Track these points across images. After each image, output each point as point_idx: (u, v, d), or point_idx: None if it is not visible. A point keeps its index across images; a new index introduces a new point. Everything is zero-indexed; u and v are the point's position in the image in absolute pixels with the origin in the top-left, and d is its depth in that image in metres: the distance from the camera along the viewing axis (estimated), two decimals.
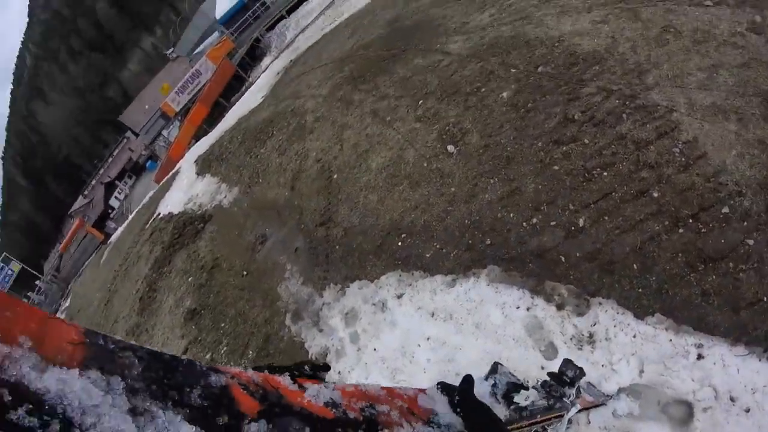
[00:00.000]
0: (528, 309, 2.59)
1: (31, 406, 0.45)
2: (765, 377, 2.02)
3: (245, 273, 5.27)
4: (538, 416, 1.25)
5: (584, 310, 2.44)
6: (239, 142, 9.26)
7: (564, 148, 3.27)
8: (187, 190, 10.26)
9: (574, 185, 2.98)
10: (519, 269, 2.79)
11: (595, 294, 2.47)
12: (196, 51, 35.93)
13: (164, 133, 30.58)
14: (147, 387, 0.53)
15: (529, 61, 4.35)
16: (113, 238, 17.92)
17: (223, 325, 4.79)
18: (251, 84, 18.78)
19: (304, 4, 22.86)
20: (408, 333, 2.86)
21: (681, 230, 2.46)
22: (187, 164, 13.08)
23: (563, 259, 2.69)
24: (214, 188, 8.61)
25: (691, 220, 2.48)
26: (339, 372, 3.16)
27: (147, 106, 37.80)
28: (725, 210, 2.46)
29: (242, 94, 18.01)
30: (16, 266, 29.82)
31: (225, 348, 4.48)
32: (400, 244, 3.62)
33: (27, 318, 0.53)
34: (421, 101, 5.09)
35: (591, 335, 2.38)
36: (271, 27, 23.93)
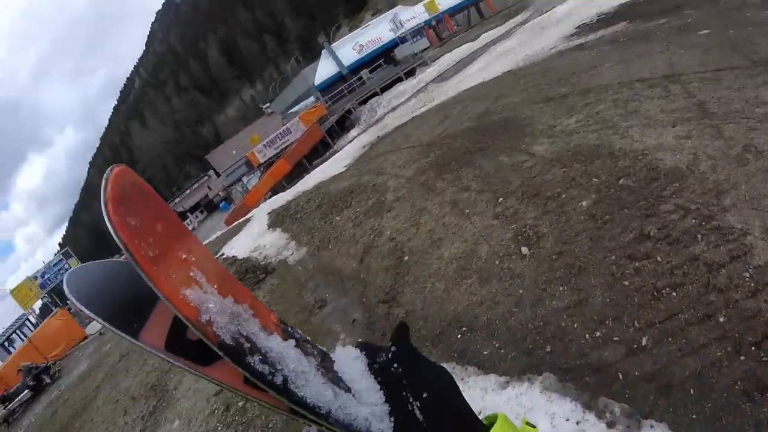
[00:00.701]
0: (578, 423, 2.59)
1: (260, 357, 0.58)
2: None
3: None
4: None
5: (635, 431, 2.43)
6: (316, 205, 9.80)
7: (636, 264, 3.34)
8: (256, 238, 10.83)
9: (642, 303, 3.03)
10: (575, 381, 2.83)
11: (648, 416, 2.47)
12: (290, 111, 38.91)
13: (244, 179, 32.69)
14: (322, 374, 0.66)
15: (612, 172, 4.50)
16: None
17: None
18: (335, 151, 19.96)
19: (398, 84, 24.43)
20: None
21: (742, 357, 2.45)
22: (260, 214, 13.86)
23: (621, 376, 2.71)
24: (283, 243, 9.08)
25: (753, 348, 2.47)
26: None
27: (234, 152, 40.79)
28: None
29: (325, 160, 19.12)
30: (74, 262, 31.67)
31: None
32: (459, 336, 3.73)
33: (244, 294, 0.72)
34: (501, 199, 5.31)
35: None
36: (364, 101, 25.64)
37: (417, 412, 0.58)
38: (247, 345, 0.59)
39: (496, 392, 3.02)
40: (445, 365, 2.93)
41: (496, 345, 3.43)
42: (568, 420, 2.64)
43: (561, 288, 3.56)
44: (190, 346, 0.58)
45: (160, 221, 0.58)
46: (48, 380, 15.45)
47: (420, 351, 0.67)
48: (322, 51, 41.16)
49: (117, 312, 0.57)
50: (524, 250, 4.22)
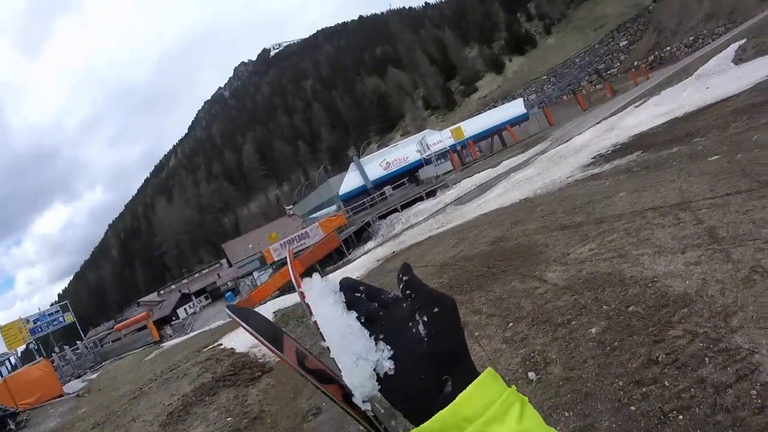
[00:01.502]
0: None
1: None
2: None
3: None
4: None
5: None
6: None
7: (644, 389, 3.36)
8: None
9: (648, 427, 3.04)
10: None
11: None
12: (312, 215, 40.10)
13: (255, 274, 32.93)
14: None
15: (622, 299, 4.61)
16: (167, 344, 18.60)
17: None
18: (350, 261, 20.30)
19: (419, 203, 25.34)
20: None
21: None
22: (265, 312, 13.87)
23: None
24: None
25: None
26: None
27: (250, 246, 41.53)
28: None
29: (338, 268, 19.44)
30: (69, 317, 31.28)
31: None
32: None
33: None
34: (511, 324, 5.39)
35: None
36: (384, 216, 26.45)
37: (421, 327, 0.58)
38: None
39: None
40: None
41: None
42: None
43: (566, 413, 3.58)
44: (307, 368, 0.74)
45: None
46: (12, 426, 14.88)
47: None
48: (351, 164, 43.47)
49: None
50: (531, 375, 4.27)
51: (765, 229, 4.51)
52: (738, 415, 2.82)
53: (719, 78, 16.06)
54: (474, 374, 0.56)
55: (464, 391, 0.52)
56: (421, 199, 26.72)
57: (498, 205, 13.57)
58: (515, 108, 47.78)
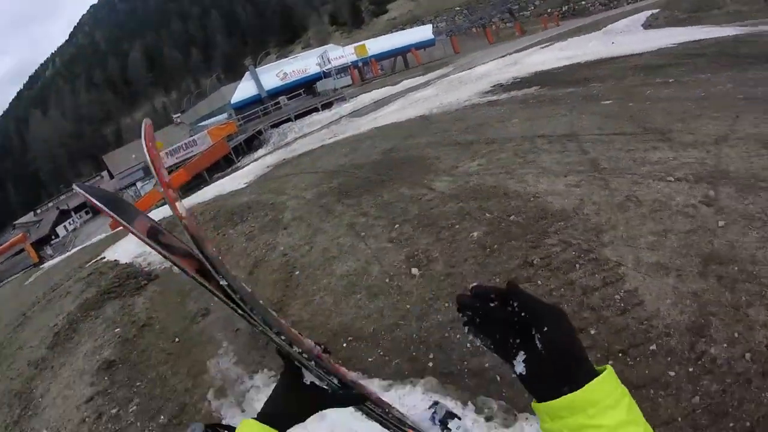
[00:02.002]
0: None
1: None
2: None
3: (177, 339, 5.17)
4: None
5: (511, 422, 2.62)
6: (210, 217, 9.42)
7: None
8: (141, 244, 10.02)
9: None
10: (456, 383, 2.96)
11: (523, 410, 2.68)
12: (200, 124, 37.63)
13: (138, 185, 30.69)
14: None
15: (504, 209, 4.85)
16: (47, 264, 17.08)
17: (138, 384, 4.59)
18: (239, 168, 19.50)
19: (314, 114, 24.62)
20: (335, 425, 2.88)
21: (611, 362, 2.73)
22: None
23: (499, 378, 2.90)
24: None
25: (621, 355, 2.81)
26: None
27: (134, 156, 38.45)
28: (653, 347, 2.81)
29: (226, 175, 18.61)
30: None
31: (135, 407, 4.25)
32: (345, 345, 3.74)
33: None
34: (397, 225, 5.47)
35: None
36: (276, 125, 25.43)
37: (538, 343, 0.68)
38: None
39: (379, 395, 3.04)
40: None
41: (381, 353, 3.49)
42: None
43: (447, 304, 3.73)
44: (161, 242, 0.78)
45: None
46: None
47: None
48: (246, 73, 40.78)
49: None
50: (414, 270, 4.38)
51: (644, 167, 4.87)
52: (602, 314, 3.10)
53: (626, 37, 16.86)
54: (595, 373, 0.66)
55: (590, 383, 0.64)
56: (316, 110, 25.97)
57: (393, 120, 13.49)
58: (423, 32, 46.98)
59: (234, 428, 1.06)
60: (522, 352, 0.70)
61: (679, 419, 2.48)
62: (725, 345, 2.73)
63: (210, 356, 4.50)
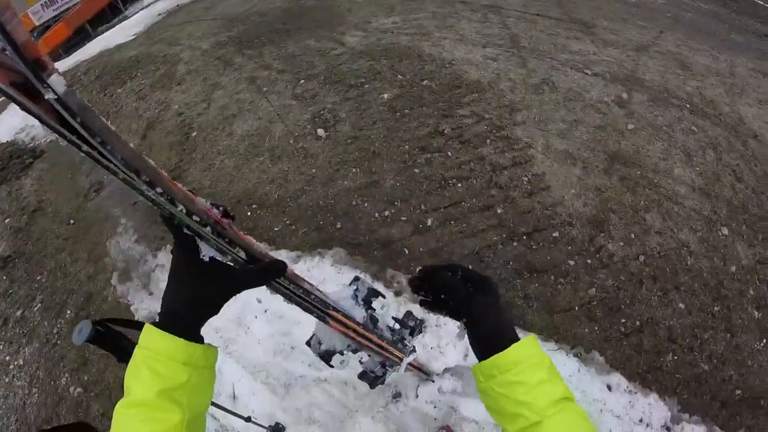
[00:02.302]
0: None
1: None
2: (570, 369, 2.45)
3: (72, 222, 4.67)
4: (384, 341, 1.29)
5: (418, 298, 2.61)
6: (96, 76, 8.27)
7: (428, 155, 3.46)
8: (23, 117, 8.81)
9: (429, 189, 3.17)
10: (364, 255, 2.89)
11: None
12: None
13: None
14: None
15: (417, 72, 4.55)
16: None
17: (39, 278, 4.16)
18: (126, 17, 17.03)
19: None
20: (245, 305, 2.76)
21: (515, 243, 2.76)
22: None
23: (407, 251, 2.86)
24: None
25: (525, 237, 2.84)
26: None
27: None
28: (555, 234, 2.86)
29: (112, 27, 16.21)
30: None
31: (39, 305, 3.89)
32: (249, 213, 3.51)
33: None
34: (302, 81, 5.01)
35: (423, 320, 2.53)
36: None
37: (475, 308, 0.80)
38: None
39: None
40: None
41: (287, 222, 3.30)
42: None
43: (354, 170, 3.53)
44: None
45: None
46: None
47: None
48: None
49: None
50: (320, 132, 4.06)
51: (563, 54, 4.67)
52: (509, 194, 3.04)
53: None
54: (517, 339, 0.75)
55: (514, 345, 0.73)
56: None
57: None
58: None
59: (131, 321, 1.01)
60: (465, 319, 0.80)
61: (576, 308, 2.60)
62: (621, 244, 2.84)
63: (109, 236, 4.10)
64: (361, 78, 4.73)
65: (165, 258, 3.48)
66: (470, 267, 0.83)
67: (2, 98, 0.51)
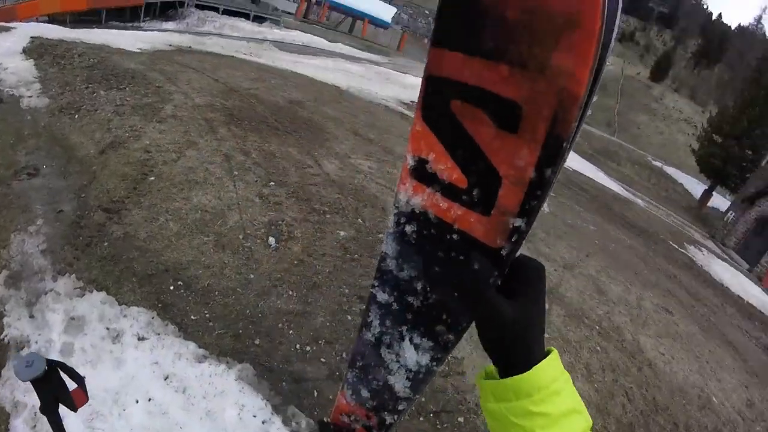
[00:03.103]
0: (263, 422, 2.51)
1: None
2: None
3: None
4: None
5: None
6: (87, 65, 7.93)
7: (363, 306, 3.51)
8: (2, 54, 8.14)
9: (354, 339, 3.18)
10: (272, 382, 2.77)
11: None
12: None
13: None
14: None
15: (377, 223, 4.80)
16: None
17: None
18: (140, 28, 16.92)
19: (242, 18, 22.38)
20: (131, 381, 2.47)
21: (421, 419, 2.83)
22: (22, 31, 10.44)
23: (316, 393, 2.77)
24: (28, 79, 7.00)
25: (432, 415, 2.91)
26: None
27: None
28: (461, 419, 2.95)
29: (125, 28, 15.97)
30: None
31: None
32: (172, 288, 3.30)
33: None
34: (272, 183, 5.09)
35: None
36: (201, 7, 22.43)
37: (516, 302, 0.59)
38: None
39: (190, 363, 2.71)
40: (145, 311, 2.49)
41: (207, 315, 3.13)
42: (255, 416, 2.54)
43: (291, 293, 3.51)
44: None
45: None
46: None
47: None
48: None
49: None
50: (272, 241, 4.08)
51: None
52: None
53: None
54: (543, 354, 0.59)
55: (539, 364, 0.57)
56: (247, 17, 23.52)
57: (312, 74, 12.74)
58: (385, 12, 44.95)
59: (75, 372, 0.94)
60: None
61: None
62: None
63: (17, 229, 3.66)
64: (325, 206, 4.88)
65: (64, 287, 3.11)
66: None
67: None
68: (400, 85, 16.25)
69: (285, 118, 7.41)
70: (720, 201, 29.61)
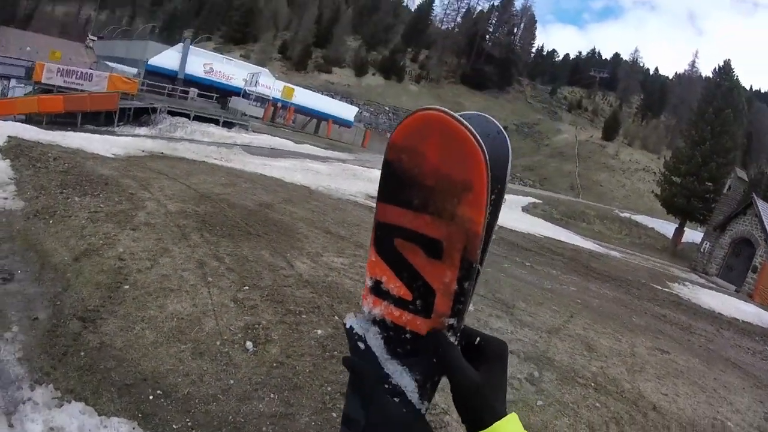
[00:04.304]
0: None
1: None
2: None
3: None
4: None
5: None
6: (62, 170, 8.16)
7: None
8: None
9: None
10: None
11: None
12: (107, 62, 33.97)
13: (12, 81, 25.58)
14: None
15: None
16: None
17: None
18: (113, 133, 17.48)
19: (212, 124, 23.39)
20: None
21: None
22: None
23: None
24: (3, 179, 7.12)
25: None
26: None
27: (28, 48, 32.90)
28: None
29: (99, 132, 16.48)
30: None
31: None
32: (152, 398, 3.31)
33: None
34: (246, 287, 5.21)
35: None
36: (173, 114, 23.54)
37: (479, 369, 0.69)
38: None
39: None
40: (125, 421, 2.55)
41: (189, 423, 3.14)
42: None
43: (272, 395, 3.55)
44: None
45: None
46: None
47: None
48: (180, 44, 38.51)
49: None
50: (249, 345, 4.16)
51: (485, 330, 5.14)
52: None
53: (505, 212, 18.96)
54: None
55: (500, 421, 0.63)
56: (216, 122, 24.68)
57: (280, 176, 13.31)
58: (347, 111, 47.92)
59: None
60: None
61: None
62: None
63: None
64: (300, 306, 4.99)
65: (42, 397, 3.08)
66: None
67: None
68: (366, 179, 17.05)
69: (256, 222, 7.65)
70: (693, 234, 30.66)
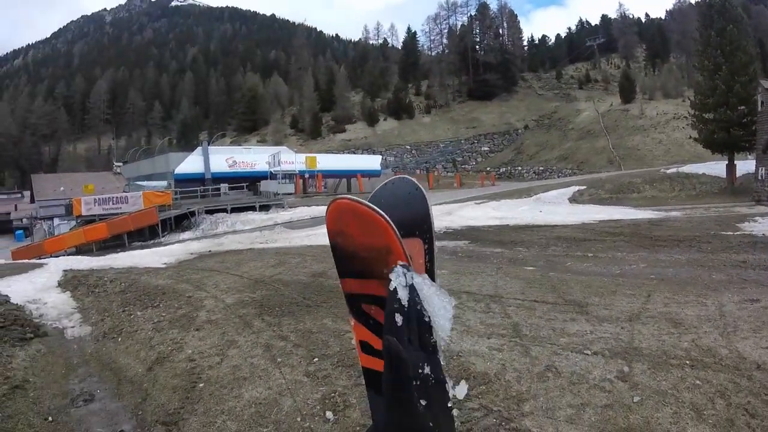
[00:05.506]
0: None
1: None
2: None
3: (50, 419, 4.40)
4: None
5: None
6: (120, 289, 8.68)
7: None
8: (39, 290, 8.95)
9: None
10: None
11: None
12: (138, 182, 36.38)
13: (55, 221, 28.14)
14: None
15: None
16: None
17: None
18: (161, 244, 18.49)
19: (250, 212, 24.39)
20: None
21: None
22: (55, 266, 11.65)
23: None
24: (67, 311, 7.68)
25: None
26: None
27: (62, 188, 36.01)
28: None
29: (147, 247, 17.53)
30: None
31: None
32: None
33: None
34: (316, 359, 5.24)
35: None
36: (211, 212, 24.85)
37: None
38: None
39: None
40: None
41: None
42: None
43: None
44: None
45: None
46: None
47: None
48: (199, 147, 40.88)
49: None
50: (329, 415, 4.14)
51: (563, 338, 5.07)
52: None
53: (553, 207, 18.57)
54: None
55: None
56: (253, 209, 25.82)
57: (325, 242, 13.35)
58: (372, 162, 49.36)
59: None
60: None
61: None
62: None
63: None
64: None
65: None
66: None
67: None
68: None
69: (312, 293, 7.78)
70: (746, 165, 28.68)
